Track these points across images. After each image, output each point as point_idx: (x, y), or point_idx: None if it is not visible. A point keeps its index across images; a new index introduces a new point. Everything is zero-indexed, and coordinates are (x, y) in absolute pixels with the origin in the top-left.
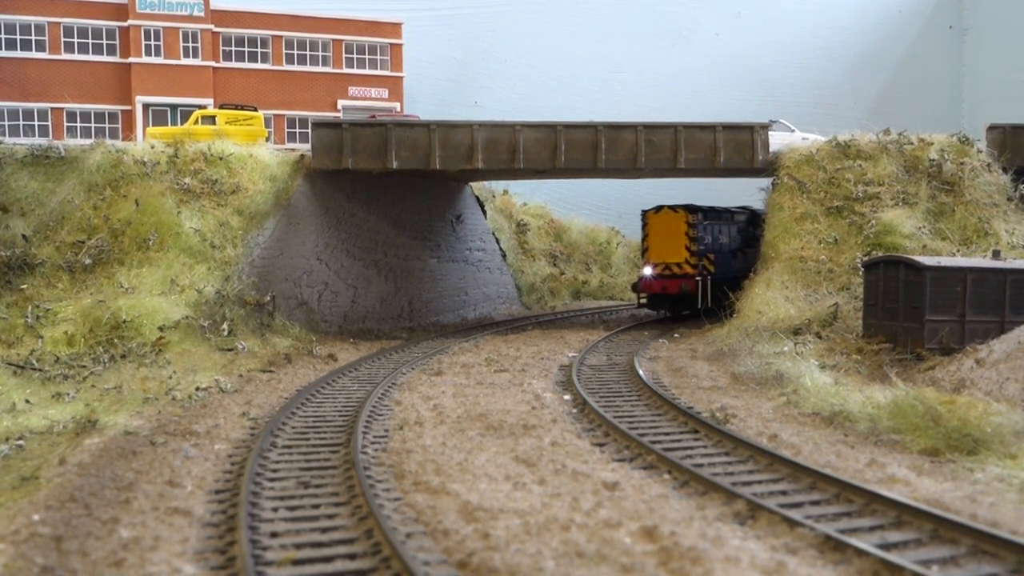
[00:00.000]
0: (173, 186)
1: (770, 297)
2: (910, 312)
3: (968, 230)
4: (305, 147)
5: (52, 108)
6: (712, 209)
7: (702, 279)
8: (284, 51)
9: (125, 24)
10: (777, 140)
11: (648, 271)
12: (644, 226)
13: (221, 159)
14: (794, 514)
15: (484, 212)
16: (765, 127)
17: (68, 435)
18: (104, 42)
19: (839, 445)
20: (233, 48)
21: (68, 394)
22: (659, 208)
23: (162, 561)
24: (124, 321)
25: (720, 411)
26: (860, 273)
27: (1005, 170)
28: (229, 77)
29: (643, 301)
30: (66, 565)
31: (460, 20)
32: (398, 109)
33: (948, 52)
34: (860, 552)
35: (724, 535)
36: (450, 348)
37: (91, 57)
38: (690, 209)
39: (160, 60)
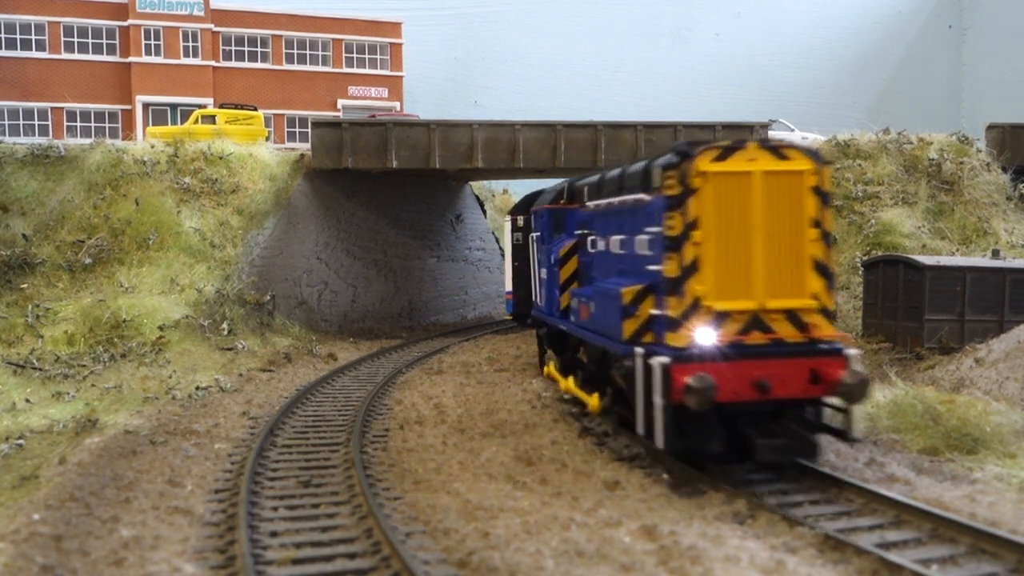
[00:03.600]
0: (173, 185)
1: None
2: (910, 311)
3: (967, 229)
4: (305, 146)
5: (52, 108)
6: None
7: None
8: (284, 51)
9: (125, 24)
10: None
11: (699, 336)
12: (683, 198)
13: (221, 158)
14: (793, 513)
15: (484, 211)
16: (765, 126)
17: (68, 434)
18: (104, 42)
19: (838, 444)
20: (233, 48)
21: (68, 393)
22: (729, 150)
23: (162, 560)
24: (124, 320)
25: None
26: (860, 272)
27: (1004, 169)
28: (229, 76)
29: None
30: (66, 564)
31: (460, 20)
32: (398, 108)
33: (948, 52)
34: (860, 551)
35: (724, 534)
36: (450, 347)
37: (91, 57)
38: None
39: (160, 60)
